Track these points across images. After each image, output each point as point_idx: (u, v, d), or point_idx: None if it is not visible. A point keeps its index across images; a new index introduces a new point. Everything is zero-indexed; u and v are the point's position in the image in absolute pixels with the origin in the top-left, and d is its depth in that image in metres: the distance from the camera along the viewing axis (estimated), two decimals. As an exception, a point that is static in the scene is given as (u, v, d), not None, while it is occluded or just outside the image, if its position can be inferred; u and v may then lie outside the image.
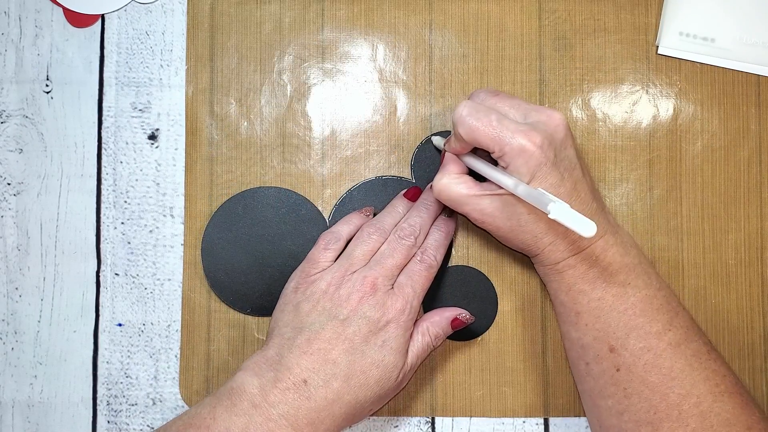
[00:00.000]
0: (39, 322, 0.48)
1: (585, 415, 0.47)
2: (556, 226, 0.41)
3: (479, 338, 0.48)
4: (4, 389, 0.48)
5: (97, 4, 0.49)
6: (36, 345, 0.48)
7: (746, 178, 0.48)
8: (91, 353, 0.48)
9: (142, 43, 0.49)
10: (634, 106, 0.48)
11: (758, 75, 0.48)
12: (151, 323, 0.48)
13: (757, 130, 0.48)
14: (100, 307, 0.48)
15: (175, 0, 0.49)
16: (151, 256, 0.48)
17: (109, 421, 0.48)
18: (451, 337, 0.47)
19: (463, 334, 0.47)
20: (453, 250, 0.48)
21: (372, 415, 0.47)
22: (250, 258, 0.48)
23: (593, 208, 0.41)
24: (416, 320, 0.44)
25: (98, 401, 0.48)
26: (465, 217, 0.43)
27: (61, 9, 0.49)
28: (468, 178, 0.43)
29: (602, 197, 0.48)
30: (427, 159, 0.48)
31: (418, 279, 0.43)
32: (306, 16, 0.49)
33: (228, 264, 0.48)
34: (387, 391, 0.42)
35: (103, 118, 0.49)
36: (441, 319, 0.44)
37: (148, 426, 0.48)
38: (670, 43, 0.48)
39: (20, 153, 0.49)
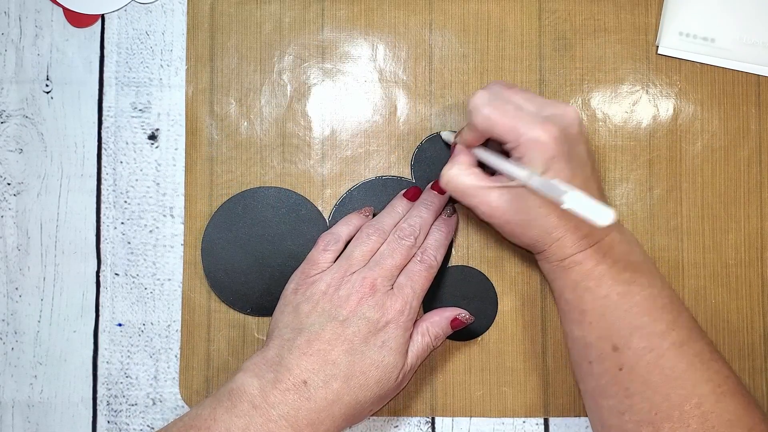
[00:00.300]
0: (39, 322, 0.48)
1: (585, 415, 0.47)
2: (566, 221, 0.40)
3: (479, 338, 0.48)
4: (4, 389, 0.48)
5: (97, 4, 0.49)
6: (36, 345, 0.48)
7: (746, 178, 0.48)
8: (91, 353, 0.48)
9: (142, 43, 0.49)
10: (634, 106, 0.48)
11: (758, 75, 0.48)
12: (151, 323, 0.48)
13: (757, 130, 0.48)
14: (100, 307, 0.48)
15: (175, 0, 0.49)
16: (151, 256, 0.48)
17: (109, 421, 0.48)
18: (451, 337, 0.47)
19: (463, 334, 0.47)
20: (453, 250, 0.48)
21: (372, 416, 0.47)
22: (250, 258, 0.48)
23: None
24: (416, 320, 0.44)
25: (98, 401, 0.48)
26: (471, 211, 0.43)
27: (61, 9, 0.49)
28: (478, 170, 0.43)
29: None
30: (427, 159, 0.48)
31: (417, 279, 0.43)
32: (306, 16, 0.49)
33: (228, 264, 0.48)
34: (387, 392, 0.42)
35: (103, 118, 0.49)
36: (441, 319, 0.44)
37: (148, 426, 0.48)
38: (670, 43, 0.48)
39: (20, 153, 0.49)
